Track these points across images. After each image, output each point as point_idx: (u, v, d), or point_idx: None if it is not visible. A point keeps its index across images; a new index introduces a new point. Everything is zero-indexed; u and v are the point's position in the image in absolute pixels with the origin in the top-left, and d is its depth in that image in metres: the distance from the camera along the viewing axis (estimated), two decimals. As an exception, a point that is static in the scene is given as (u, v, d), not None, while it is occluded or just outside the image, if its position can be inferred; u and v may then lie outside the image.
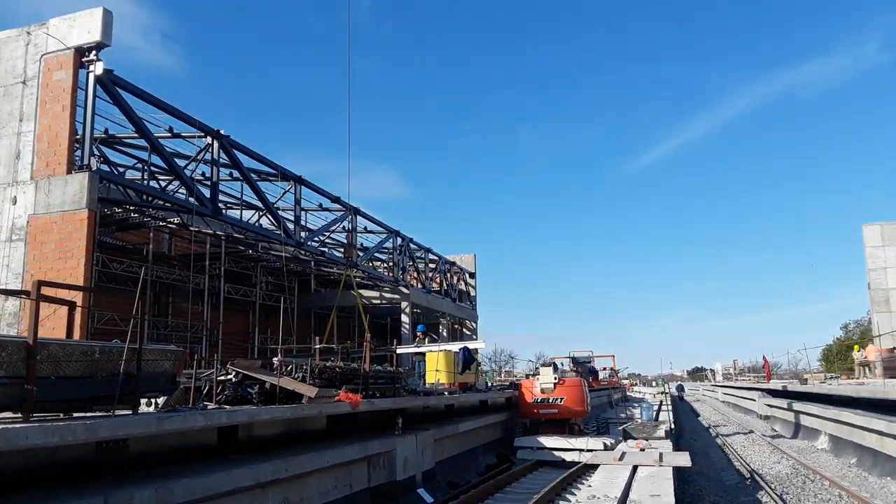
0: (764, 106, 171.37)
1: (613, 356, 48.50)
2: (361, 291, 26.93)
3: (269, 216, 19.39)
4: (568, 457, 16.02)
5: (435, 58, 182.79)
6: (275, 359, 9.86)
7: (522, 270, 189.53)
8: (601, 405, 32.18)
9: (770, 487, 13.72)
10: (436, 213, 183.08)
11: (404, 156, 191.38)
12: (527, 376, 20.64)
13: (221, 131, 16.44)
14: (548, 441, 16.70)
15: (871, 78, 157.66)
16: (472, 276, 37.89)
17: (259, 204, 19.37)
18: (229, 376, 9.39)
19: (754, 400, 35.13)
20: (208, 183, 16.94)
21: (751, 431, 27.05)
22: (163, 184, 18.12)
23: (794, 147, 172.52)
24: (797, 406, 24.68)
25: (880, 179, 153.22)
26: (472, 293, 37.58)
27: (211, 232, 19.93)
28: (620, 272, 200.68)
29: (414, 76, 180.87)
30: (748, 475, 15.76)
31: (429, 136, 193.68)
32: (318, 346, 12.40)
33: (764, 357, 45.76)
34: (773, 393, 32.60)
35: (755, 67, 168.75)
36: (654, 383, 71.52)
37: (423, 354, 17.96)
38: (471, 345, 18.65)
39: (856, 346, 38.61)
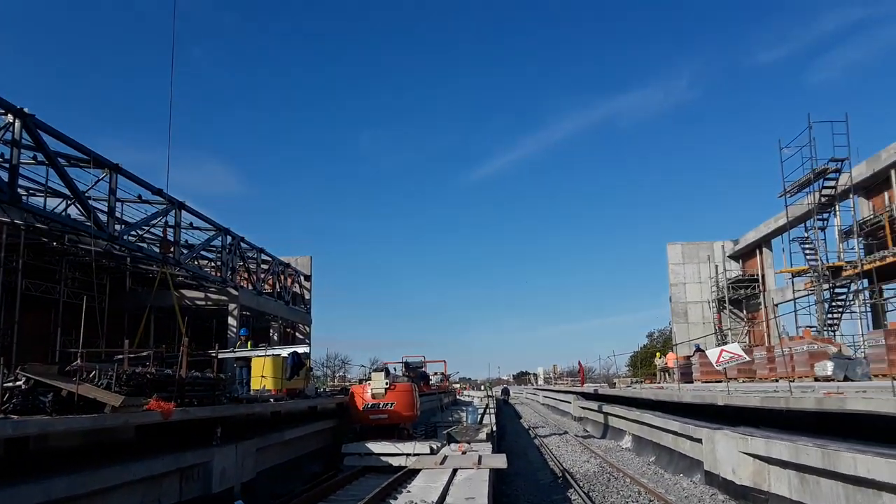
0: (588, 130, 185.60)
1: (445, 361, 49.95)
2: (185, 291, 25.30)
3: (79, 206, 17.60)
4: (395, 462, 16.11)
5: (278, 53, 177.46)
6: (75, 363, 8.91)
7: (361, 275, 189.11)
8: (432, 409, 32.79)
9: (579, 486, 14.67)
10: (272, 214, 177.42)
11: (240, 152, 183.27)
12: (360, 381, 20.50)
13: (25, 109, 14.70)
14: (376, 447, 16.68)
15: (682, 111, 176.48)
16: (308, 278, 37.08)
17: (67, 192, 17.52)
18: (18, 383, 8.35)
19: (570, 402, 37.58)
20: (6, 166, 15.05)
21: (565, 432, 28.87)
22: (-51, 163, 15.84)
23: (614, 168, 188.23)
24: (606, 408, 26.71)
25: (684, 202, 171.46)
26: (307, 296, 36.76)
27: (8, 220, 17.69)
28: (456, 280, 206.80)
29: (254, 70, 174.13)
30: (560, 474, 16.76)
31: (268, 133, 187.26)
32: (127, 351, 11.40)
33: (579, 362, 49.27)
34: (587, 396, 35.00)
35: (583, 93, 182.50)
36: (482, 387, 74.36)
37: (245, 359, 17.18)
38: (296, 349, 18.15)
39: (658, 354, 42.78)
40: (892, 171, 28.06)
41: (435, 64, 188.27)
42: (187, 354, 11.50)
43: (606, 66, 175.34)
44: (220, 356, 16.31)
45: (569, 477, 16.05)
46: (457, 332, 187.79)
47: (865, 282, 29.47)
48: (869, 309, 31.11)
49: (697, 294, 48.22)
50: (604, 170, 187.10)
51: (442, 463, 11.76)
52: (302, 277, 36.23)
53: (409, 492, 9.08)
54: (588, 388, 38.81)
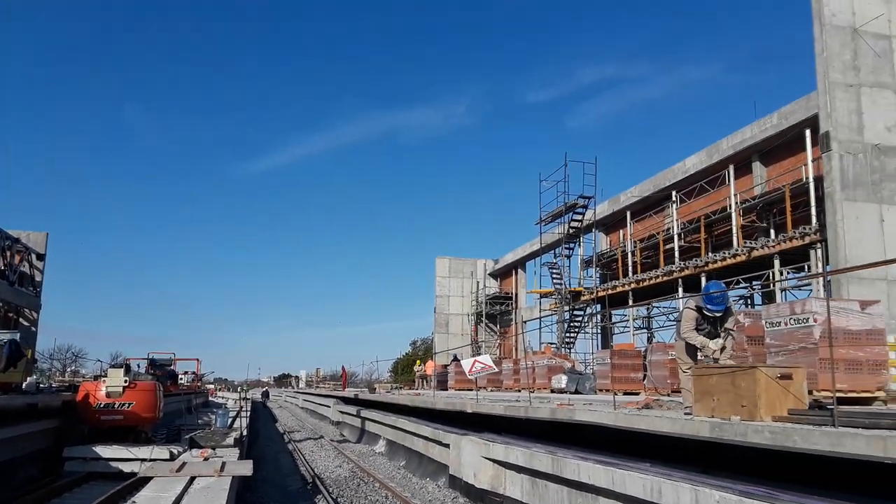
0: (370, 140, 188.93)
1: (198, 360, 47.14)
2: None
3: None
4: (126, 468, 14.54)
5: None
6: None
7: (112, 261, 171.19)
8: (178, 411, 30.43)
9: (328, 491, 14.47)
10: (3, 179, 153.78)
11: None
12: (94, 378, 18.25)
13: None
14: (105, 450, 14.89)
15: (459, 135, 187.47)
16: (41, 257, 32.38)
17: None
18: None
19: (329, 407, 37.36)
20: None
21: (321, 437, 28.56)
22: None
23: (396, 179, 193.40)
24: (364, 413, 26.92)
25: (456, 220, 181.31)
26: (38, 277, 32.11)
27: None
28: (219, 275, 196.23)
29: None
30: (311, 480, 16.42)
31: (9, 85, 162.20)
32: None
33: (343, 367, 49.33)
34: (347, 400, 35.06)
35: (371, 102, 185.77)
36: (239, 389, 71.26)
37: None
38: (13, 336, 15.63)
39: (418, 361, 44.35)
40: (628, 213, 32.22)
41: (212, 44, 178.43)
42: None
43: (393, 79, 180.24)
44: None
45: (318, 482, 15.77)
46: (216, 330, 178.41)
47: (599, 306, 33.36)
48: (599, 330, 35.26)
49: (459, 307, 51.09)
50: (386, 179, 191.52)
51: (179, 470, 10.79)
52: (34, 256, 31.58)
53: (134, 502, 8.14)
54: (349, 392, 38.93)
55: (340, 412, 33.74)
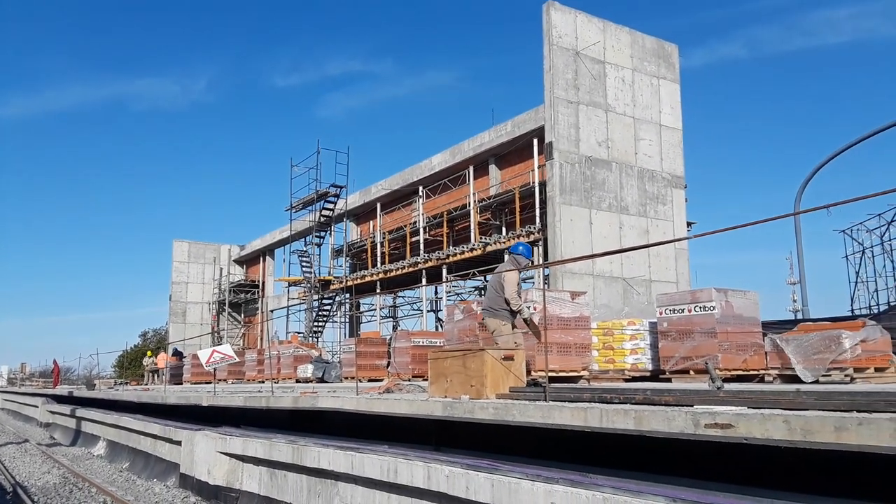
0: (92, 107, 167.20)
1: None
2: None
3: None
4: None
5: None
6: None
7: None
8: None
9: (33, 500, 12.70)
10: None
11: None
12: None
13: None
14: None
15: (197, 111, 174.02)
16: None
17: None
18: None
19: (37, 407, 32.86)
20: None
21: (26, 441, 24.95)
22: None
23: (123, 152, 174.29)
24: (80, 412, 24.08)
25: (196, 201, 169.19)
26: None
27: None
28: None
29: None
30: (11, 489, 14.26)
31: None
32: None
33: (55, 361, 43.61)
34: (60, 399, 31.21)
35: (92, 68, 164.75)
36: (-86, 390, 59.11)
37: None
38: None
39: (149, 353, 40.81)
40: (378, 204, 33.09)
41: None
42: None
43: (116, 41, 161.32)
44: None
45: (21, 492, 13.73)
46: None
47: (348, 295, 33.80)
48: (347, 319, 35.76)
49: (199, 295, 48.16)
50: (112, 152, 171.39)
51: None
52: None
53: None
54: (63, 390, 34.71)
55: (51, 412, 29.81)
